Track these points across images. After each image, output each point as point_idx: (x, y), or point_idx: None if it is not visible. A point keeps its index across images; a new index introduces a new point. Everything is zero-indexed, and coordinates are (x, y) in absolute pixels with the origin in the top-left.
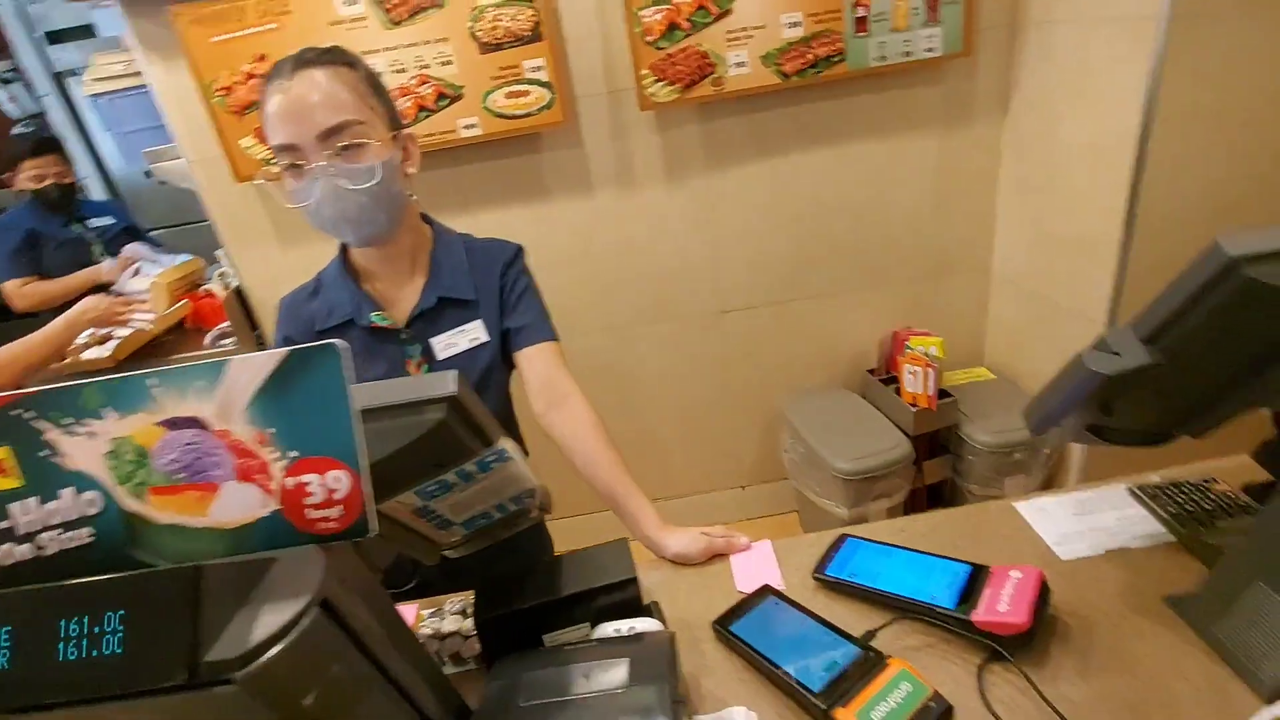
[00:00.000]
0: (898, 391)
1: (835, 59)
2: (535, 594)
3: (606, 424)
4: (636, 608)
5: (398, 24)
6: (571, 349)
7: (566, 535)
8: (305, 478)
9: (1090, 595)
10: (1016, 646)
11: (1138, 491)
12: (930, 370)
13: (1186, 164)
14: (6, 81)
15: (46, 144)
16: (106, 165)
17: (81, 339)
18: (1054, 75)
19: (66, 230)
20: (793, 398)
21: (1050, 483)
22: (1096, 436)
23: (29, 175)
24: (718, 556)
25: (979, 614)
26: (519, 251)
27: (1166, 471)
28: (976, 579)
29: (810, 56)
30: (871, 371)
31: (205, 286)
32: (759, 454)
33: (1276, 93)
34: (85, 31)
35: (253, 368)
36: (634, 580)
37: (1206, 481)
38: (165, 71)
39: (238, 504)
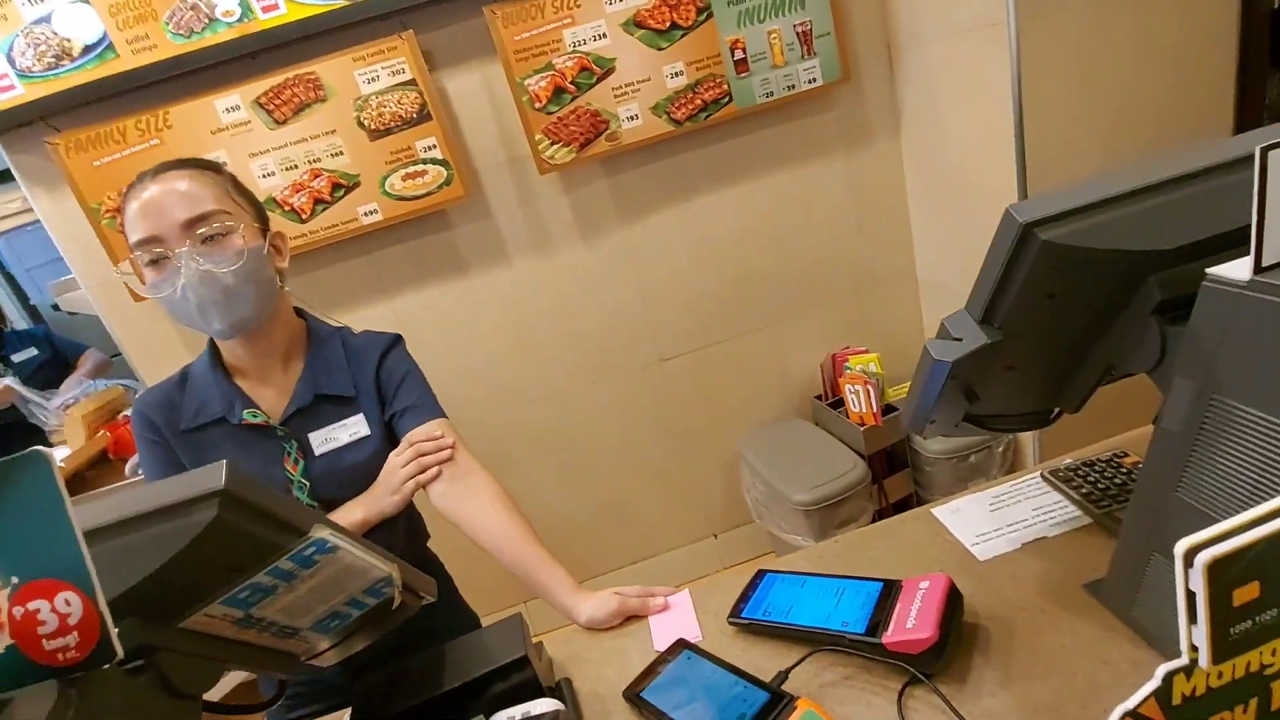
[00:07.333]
0: (845, 414)
1: (723, 101)
2: (414, 692)
3: (565, 497)
4: (535, 689)
5: (282, 123)
6: (517, 423)
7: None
8: (34, 604)
9: (1010, 594)
10: (931, 663)
11: (1050, 477)
12: (871, 387)
13: (1063, 149)
14: None
15: None
16: (28, 295)
17: None
18: (933, 89)
19: None
20: (748, 435)
21: None
22: (977, 425)
23: None
24: (636, 616)
25: (889, 635)
26: (396, 340)
27: (1079, 452)
28: (888, 596)
29: (698, 102)
30: (819, 397)
31: (126, 413)
32: (726, 499)
33: (1135, 72)
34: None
35: None
36: (524, 659)
37: (1118, 456)
38: (52, 202)
39: None
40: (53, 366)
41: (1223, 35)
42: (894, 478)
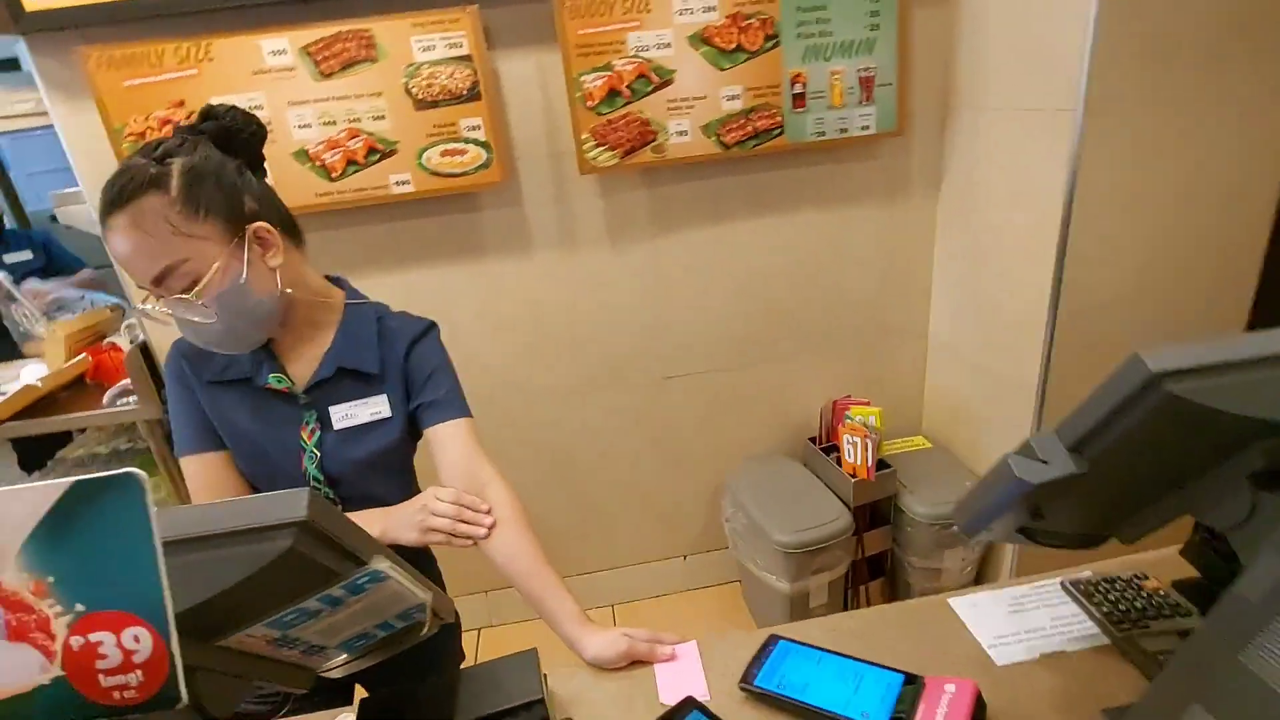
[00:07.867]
0: (838, 461)
1: (775, 132)
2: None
3: (546, 495)
4: None
5: (328, 76)
6: (509, 414)
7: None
8: (95, 636)
9: (1028, 707)
10: None
11: (1070, 588)
12: (869, 441)
13: (1109, 247)
14: None
15: None
16: (23, 201)
17: None
18: (982, 159)
19: None
20: (736, 466)
21: (988, 556)
22: (1027, 538)
23: None
24: (642, 660)
25: None
26: (430, 328)
27: (1098, 566)
28: (910, 691)
29: (750, 129)
30: (813, 440)
31: (111, 339)
32: (703, 522)
33: (1190, 180)
34: (12, 65)
35: (27, 501)
36: (540, 702)
37: (1137, 578)
38: (72, 113)
39: (9, 669)
40: (44, 276)
41: (1272, 151)
42: (873, 532)
